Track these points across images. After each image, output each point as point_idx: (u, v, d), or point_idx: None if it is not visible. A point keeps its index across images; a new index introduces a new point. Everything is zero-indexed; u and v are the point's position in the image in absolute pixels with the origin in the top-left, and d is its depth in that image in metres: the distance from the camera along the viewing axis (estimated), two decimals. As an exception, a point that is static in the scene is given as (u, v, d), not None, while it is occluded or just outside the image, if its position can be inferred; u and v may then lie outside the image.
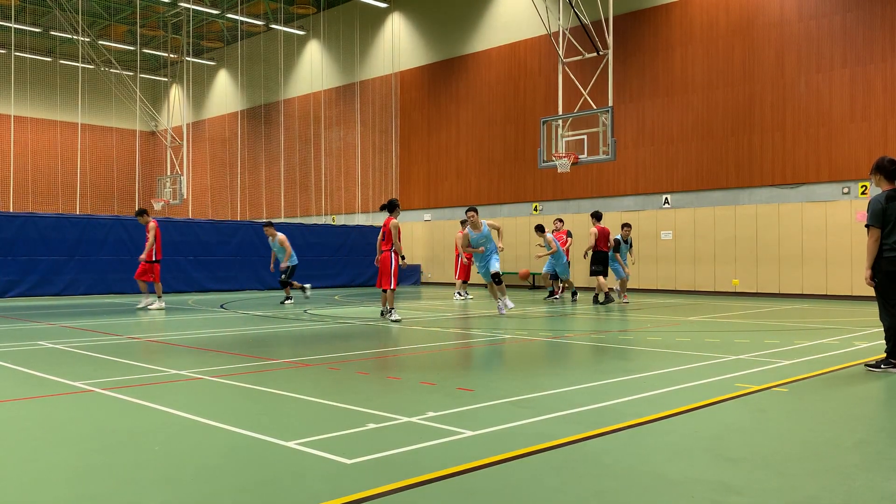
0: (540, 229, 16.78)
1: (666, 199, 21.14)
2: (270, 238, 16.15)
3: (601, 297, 15.71)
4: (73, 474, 3.52)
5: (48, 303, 16.01)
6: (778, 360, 7.22)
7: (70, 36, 31.44)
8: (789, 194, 18.94)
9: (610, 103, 18.24)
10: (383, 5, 28.81)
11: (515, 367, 6.98)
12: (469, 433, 4.19)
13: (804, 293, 18.48)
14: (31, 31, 33.38)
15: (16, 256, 17.29)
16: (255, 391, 5.56)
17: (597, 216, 15.99)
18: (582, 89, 19.11)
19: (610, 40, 18.69)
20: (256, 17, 32.46)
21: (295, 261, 16.08)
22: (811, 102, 18.54)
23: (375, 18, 29.64)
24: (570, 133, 18.99)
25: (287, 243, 16.06)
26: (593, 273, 15.77)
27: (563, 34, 19.76)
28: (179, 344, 8.55)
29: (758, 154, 19.40)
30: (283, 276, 15.96)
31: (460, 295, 17.86)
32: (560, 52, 19.62)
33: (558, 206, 23.52)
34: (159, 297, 14.23)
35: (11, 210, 31.63)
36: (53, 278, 17.86)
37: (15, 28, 31.83)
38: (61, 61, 37.32)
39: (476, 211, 13.12)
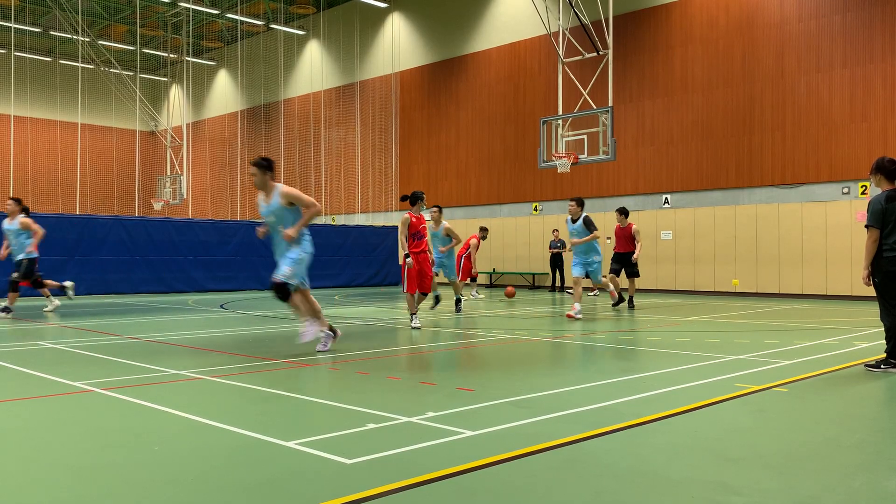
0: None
1: (666, 199, 21.15)
2: (9, 219, 12.55)
3: (625, 296, 14.49)
4: (73, 474, 3.52)
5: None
6: (778, 360, 7.22)
7: (70, 36, 31.45)
8: (789, 194, 18.94)
9: (610, 103, 18.24)
10: (383, 5, 28.81)
11: (515, 367, 6.98)
12: (469, 433, 4.19)
13: (804, 293, 18.49)
14: (30, 30, 33.38)
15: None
16: (255, 391, 5.56)
17: (624, 212, 14.39)
18: (582, 89, 19.12)
19: (610, 40, 18.69)
20: (256, 17, 32.46)
21: (34, 254, 12.59)
22: (811, 102, 18.54)
23: (375, 18, 29.64)
24: (570, 133, 18.99)
25: (35, 227, 12.47)
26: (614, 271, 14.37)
27: (563, 34, 19.76)
28: (179, 344, 8.55)
29: (758, 154, 19.41)
30: (34, 278, 12.68)
31: (475, 295, 17.99)
32: (560, 52, 19.63)
33: (558, 206, 23.51)
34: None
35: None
36: (53, 278, 17.80)
37: (15, 28, 31.83)
38: (61, 61, 37.32)
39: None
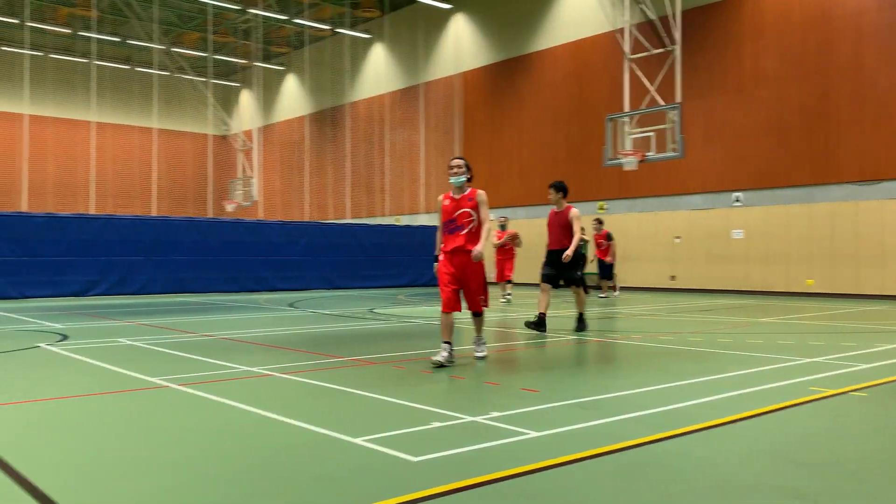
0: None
1: (737, 197, 20.58)
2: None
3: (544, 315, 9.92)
4: (148, 467, 3.65)
5: (126, 301, 16.65)
6: (855, 363, 6.95)
7: (146, 44, 32.65)
8: (867, 191, 18.19)
9: (678, 99, 17.88)
10: (446, 6, 28.93)
11: (581, 369, 6.92)
12: (534, 434, 4.18)
13: (884, 294, 17.72)
14: (110, 40, 34.79)
15: (96, 257, 18.04)
16: (322, 388, 5.67)
17: (560, 189, 9.92)
18: (649, 85, 18.79)
19: (678, 35, 18.33)
20: (323, 21, 33.02)
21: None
22: (892, 96, 17.75)
23: (439, 20, 29.78)
24: (637, 130, 18.70)
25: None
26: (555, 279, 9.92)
27: (629, 30, 19.46)
28: (250, 341, 8.78)
29: (834, 150, 18.70)
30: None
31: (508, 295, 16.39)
32: (625, 49, 19.33)
33: (624, 204, 23.17)
34: None
35: (92, 212, 33.02)
36: (131, 278, 18.56)
37: (96, 38, 33.23)
38: (138, 69, 38.78)
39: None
